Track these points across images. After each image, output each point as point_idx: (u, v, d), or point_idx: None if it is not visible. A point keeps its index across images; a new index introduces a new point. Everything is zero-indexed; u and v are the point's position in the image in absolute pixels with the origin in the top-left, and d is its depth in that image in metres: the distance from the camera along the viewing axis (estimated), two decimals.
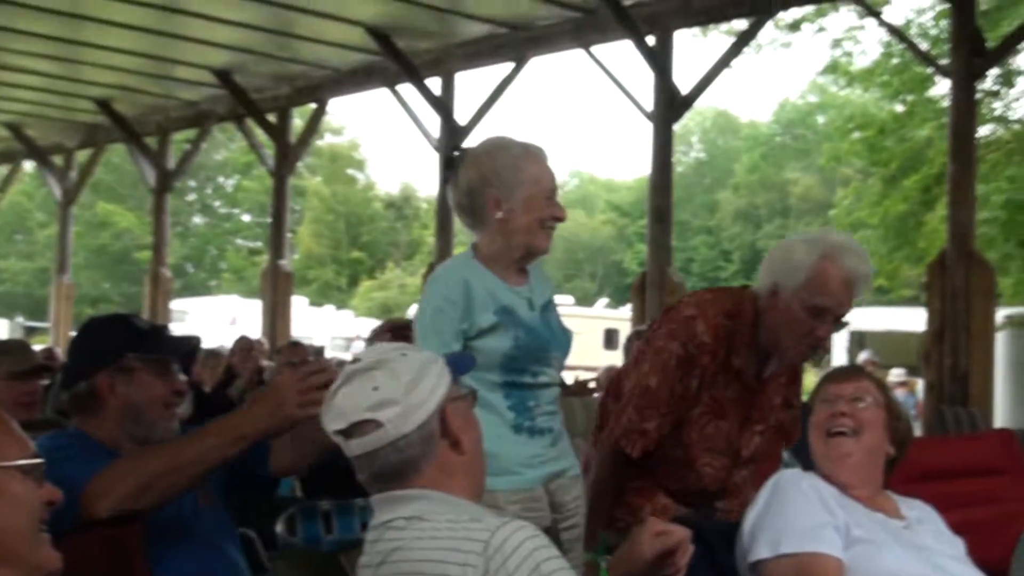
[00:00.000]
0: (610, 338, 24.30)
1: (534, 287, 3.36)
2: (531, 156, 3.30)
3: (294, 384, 2.63)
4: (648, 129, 10.49)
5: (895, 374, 15.68)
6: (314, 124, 14.91)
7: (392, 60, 11.75)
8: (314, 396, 2.56)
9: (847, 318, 3.29)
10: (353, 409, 2.12)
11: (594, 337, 23.68)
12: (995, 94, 16.74)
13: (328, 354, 13.59)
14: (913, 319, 12.01)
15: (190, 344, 3.05)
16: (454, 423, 2.17)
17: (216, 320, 27.91)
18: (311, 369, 2.67)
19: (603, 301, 34.46)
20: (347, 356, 18.85)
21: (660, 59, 10.17)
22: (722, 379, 3.38)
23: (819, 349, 3.34)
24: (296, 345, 8.17)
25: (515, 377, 3.23)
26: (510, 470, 3.16)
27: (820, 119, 49.65)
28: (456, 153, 3.43)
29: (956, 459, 4.42)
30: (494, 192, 3.25)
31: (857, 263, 3.23)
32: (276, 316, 13.93)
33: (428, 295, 3.26)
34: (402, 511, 2.13)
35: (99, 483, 2.53)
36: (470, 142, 12.07)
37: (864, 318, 18.70)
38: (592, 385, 7.31)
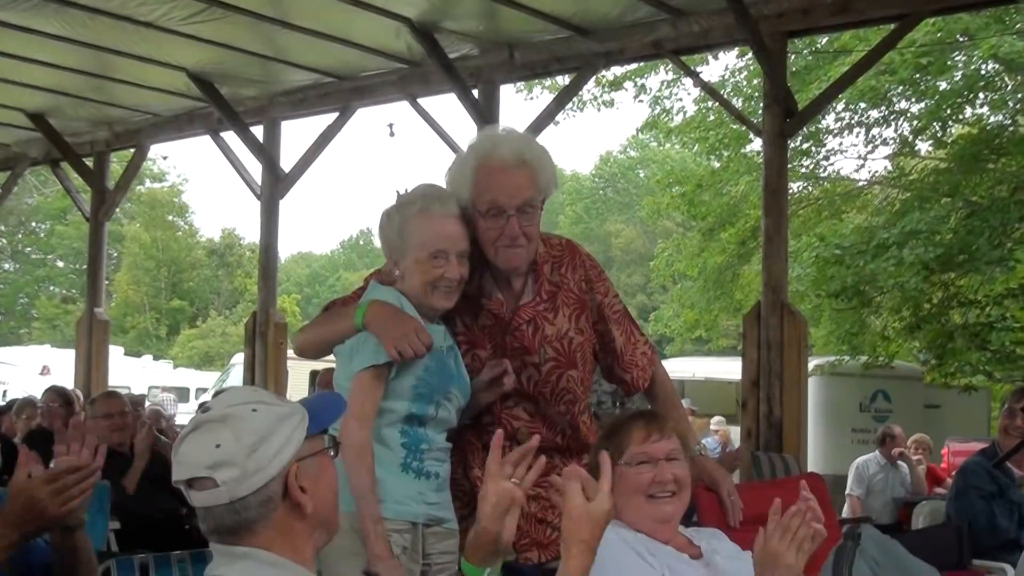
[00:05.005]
0: None
1: (444, 331, 3.42)
2: (424, 213, 3.31)
3: (47, 487, 2.59)
4: None
5: (715, 422, 16.04)
6: (133, 169, 14.54)
7: (215, 106, 11.57)
8: (72, 492, 2.59)
9: (532, 203, 3.32)
10: (194, 463, 2.06)
11: None
12: (806, 152, 17.40)
13: (147, 404, 13.22)
14: (731, 368, 12.37)
15: None
16: (300, 485, 2.09)
17: (26, 370, 26.83)
18: (67, 468, 2.64)
19: None
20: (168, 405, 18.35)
21: (486, 111, 10.28)
22: (468, 307, 3.44)
23: (520, 246, 3.35)
24: (112, 395, 7.89)
25: (421, 408, 3.27)
26: (396, 500, 3.21)
27: (641, 173, 50.89)
28: None
29: (770, 502, 4.57)
30: (393, 253, 3.35)
31: (506, 150, 3.31)
32: (91, 366, 13.47)
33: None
34: (228, 569, 2.08)
35: None
36: (294, 191, 12.06)
37: (683, 367, 19.14)
38: None
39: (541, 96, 19.30)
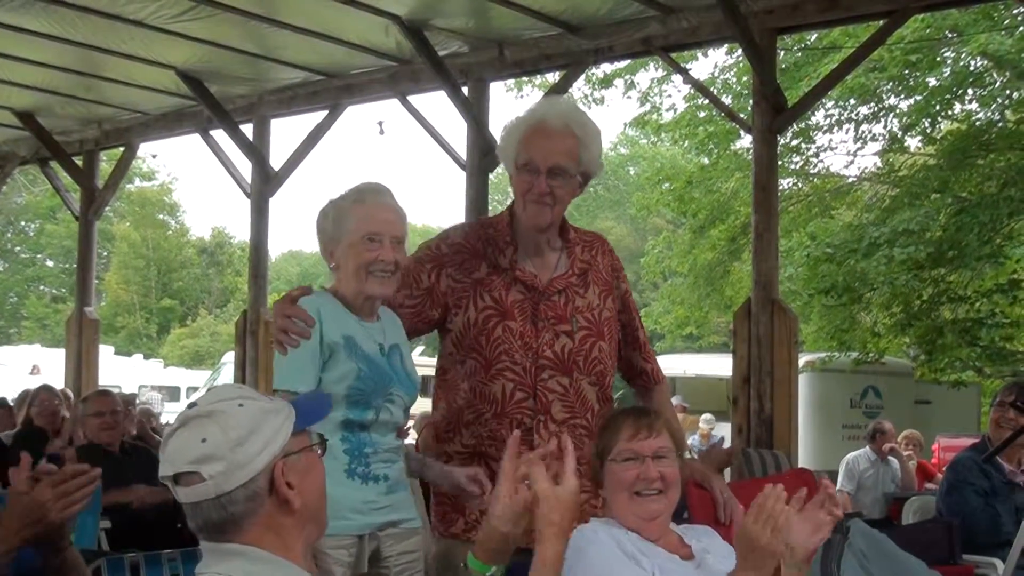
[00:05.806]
0: (425, 385, 24.28)
1: (385, 328, 3.40)
2: (358, 203, 3.36)
3: (50, 491, 2.59)
4: (463, 178, 10.57)
5: (704, 420, 16.05)
6: (123, 168, 14.49)
7: (204, 105, 11.54)
8: (74, 497, 2.60)
9: (566, 170, 3.45)
10: (180, 458, 2.05)
11: None
12: (795, 149, 17.41)
13: (138, 403, 13.19)
14: (722, 365, 12.37)
15: None
16: (286, 480, 2.09)
17: (16, 369, 26.73)
18: (72, 472, 2.65)
19: (419, 349, 34.25)
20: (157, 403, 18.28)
21: (475, 109, 10.28)
22: (499, 281, 3.54)
23: (546, 203, 3.46)
24: (104, 394, 7.87)
25: (358, 414, 3.24)
26: (339, 515, 3.12)
27: (631, 170, 50.84)
28: None
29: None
30: (328, 244, 3.38)
31: (557, 118, 3.47)
32: (82, 365, 13.43)
33: None
34: (217, 567, 2.07)
35: None
36: (284, 189, 12.04)
37: (674, 364, 19.15)
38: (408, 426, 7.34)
39: (531, 95, 19.30)
